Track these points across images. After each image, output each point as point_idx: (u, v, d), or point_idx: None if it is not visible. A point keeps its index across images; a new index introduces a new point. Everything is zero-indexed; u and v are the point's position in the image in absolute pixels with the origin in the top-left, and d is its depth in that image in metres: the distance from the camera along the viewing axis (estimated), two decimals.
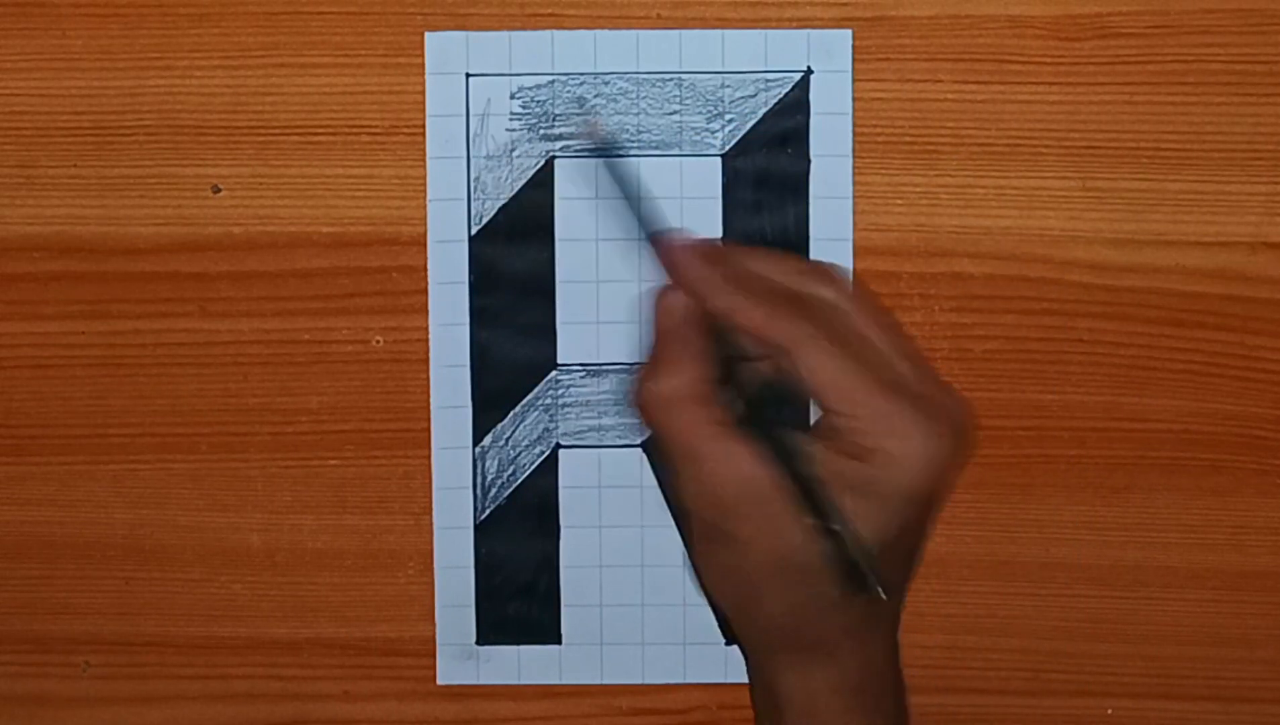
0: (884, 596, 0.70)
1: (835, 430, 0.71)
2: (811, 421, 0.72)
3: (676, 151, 0.79)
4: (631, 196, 0.75)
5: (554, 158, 0.79)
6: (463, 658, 0.83)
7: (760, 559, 0.72)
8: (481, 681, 0.83)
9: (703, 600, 0.82)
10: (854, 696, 0.74)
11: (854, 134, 0.79)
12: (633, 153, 0.79)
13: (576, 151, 0.79)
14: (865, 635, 0.74)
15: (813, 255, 0.80)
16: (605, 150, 0.78)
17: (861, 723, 0.74)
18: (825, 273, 0.73)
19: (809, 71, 0.79)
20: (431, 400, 0.81)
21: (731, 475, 0.71)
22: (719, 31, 0.79)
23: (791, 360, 0.70)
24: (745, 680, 0.82)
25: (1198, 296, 0.80)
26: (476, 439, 0.81)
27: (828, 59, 0.79)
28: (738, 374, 0.72)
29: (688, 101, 0.79)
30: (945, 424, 0.71)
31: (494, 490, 0.82)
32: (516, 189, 0.80)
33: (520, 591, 0.82)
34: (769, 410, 0.72)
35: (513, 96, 0.79)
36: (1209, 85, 0.78)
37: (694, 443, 0.71)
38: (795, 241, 0.80)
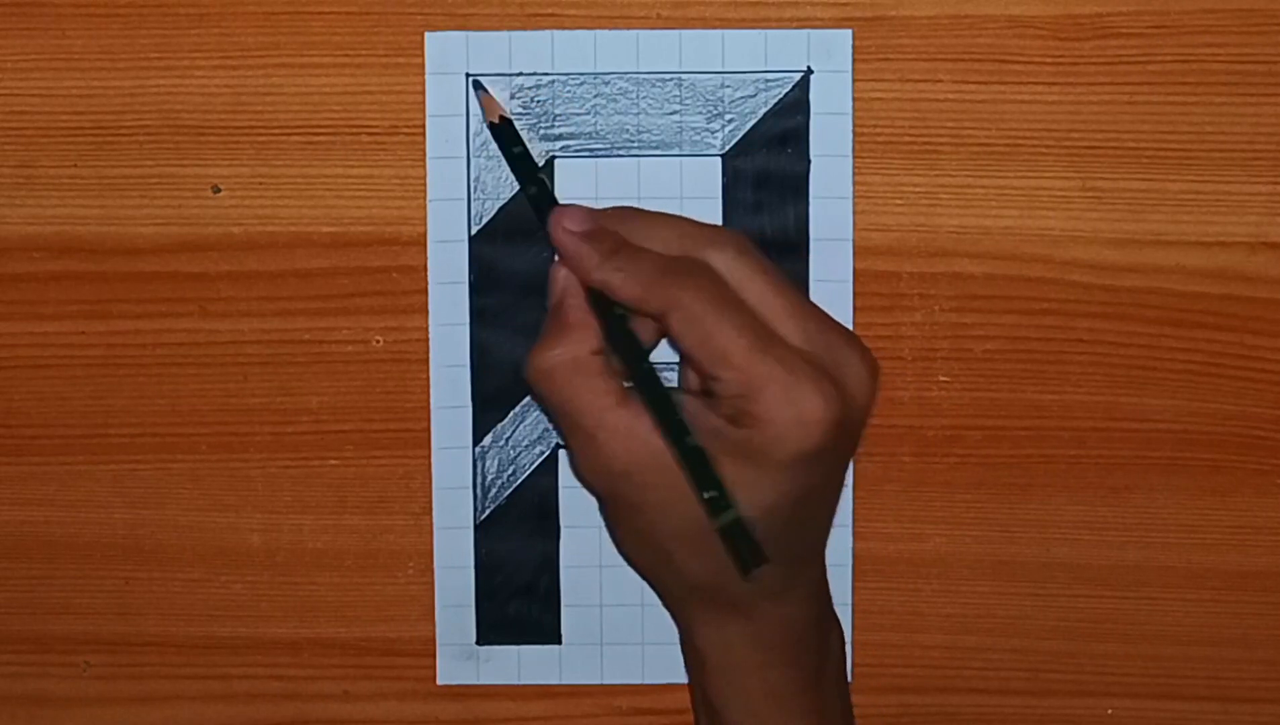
0: (767, 563, 0.69)
1: (718, 396, 0.70)
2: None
3: (676, 151, 0.79)
4: (523, 172, 0.76)
5: (554, 158, 0.79)
6: (463, 658, 0.83)
7: (668, 526, 0.72)
8: (481, 681, 0.83)
9: None
10: (771, 652, 0.74)
11: (854, 134, 0.79)
12: (633, 152, 0.79)
13: (575, 151, 0.79)
14: (782, 597, 0.74)
15: (813, 256, 0.80)
16: (501, 127, 0.78)
17: (778, 676, 0.74)
18: (712, 236, 0.73)
19: (809, 71, 0.79)
20: (431, 400, 0.81)
21: (623, 447, 0.71)
22: (719, 31, 0.79)
23: (671, 328, 0.71)
24: None
25: (1198, 296, 0.80)
26: (476, 439, 0.81)
27: (828, 59, 0.79)
28: (631, 343, 0.73)
29: (688, 101, 0.79)
30: (834, 384, 0.70)
31: (494, 490, 0.82)
32: (517, 189, 0.80)
33: (520, 591, 0.82)
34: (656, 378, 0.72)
35: (513, 96, 0.79)
36: (1209, 85, 0.78)
37: (581, 415, 0.71)
38: (795, 241, 0.80)
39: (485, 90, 0.78)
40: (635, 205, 0.79)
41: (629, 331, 0.73)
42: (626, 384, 0.72)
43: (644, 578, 0.76)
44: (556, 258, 0.74)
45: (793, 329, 0.71)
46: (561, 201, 0.77)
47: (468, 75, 0.79)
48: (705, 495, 0.70)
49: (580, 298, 0.73)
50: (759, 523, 0.70)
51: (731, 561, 0.70)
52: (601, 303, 0.73)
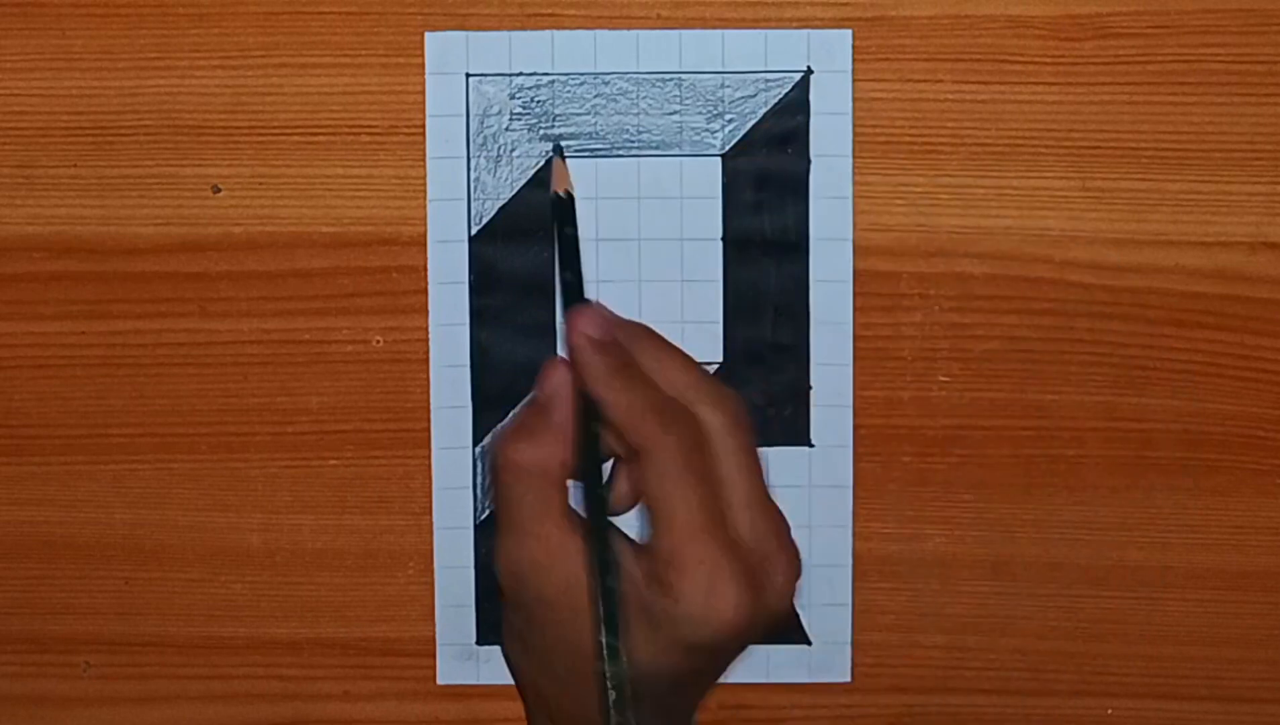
0: None
1: (654, 553, 0.71)
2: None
3: (676, 151, 0.79)
4: (566, 255, 0.76)
5: (553, 158, 0.79)
6: (463, 658, 0.83)
7: (557, 653, 0.73)
8: (481, 681, 0.83)
9: None
10: None
11: (854, 134, 0.79)
12: (633, 153, 0.79)
13: (575, 151, 0.79)
14: None
15: (813, 256, 0.80)
16: (561, 202, 0.78)
17: None
18: (714, 394, 0.73)
19: (809, 71, 0.79)
20: (431, 400, 0.81)
21: (548, 570, 0.72)
22: (719, 31, 0.79)
23: (643, 468, 0.71)
24: (744, 680, 0.82)
25: (1198, 296, 0.80)
26: (476, 439, 0.81)
27: (828, 59, 0.79)
28: (595, 464, 0.73)
29: (688, 101, 0.79)
30: (753, 589, 0.71)
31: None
32: (516, 189, 0.80)
33: None
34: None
35: (513, 97, 0.79)
36: (1209, 85, 0.78)
37: (527, 520, 0.72)
38: (795, 241, 0.80)
39: (562, 159, 0.78)
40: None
41: (598, 452, 0.73)
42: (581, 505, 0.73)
43: (513, 674, 0.78)
44: (560, 352, 0.74)
45: (741, 517, 0.72)
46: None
47: (467, 75, 0.79)
48: (604, 639, 0.71)
49: (568, 405, 0.73)
50: (644, 683, 0.71)
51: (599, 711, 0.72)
52: (586, 411, 0.73)
